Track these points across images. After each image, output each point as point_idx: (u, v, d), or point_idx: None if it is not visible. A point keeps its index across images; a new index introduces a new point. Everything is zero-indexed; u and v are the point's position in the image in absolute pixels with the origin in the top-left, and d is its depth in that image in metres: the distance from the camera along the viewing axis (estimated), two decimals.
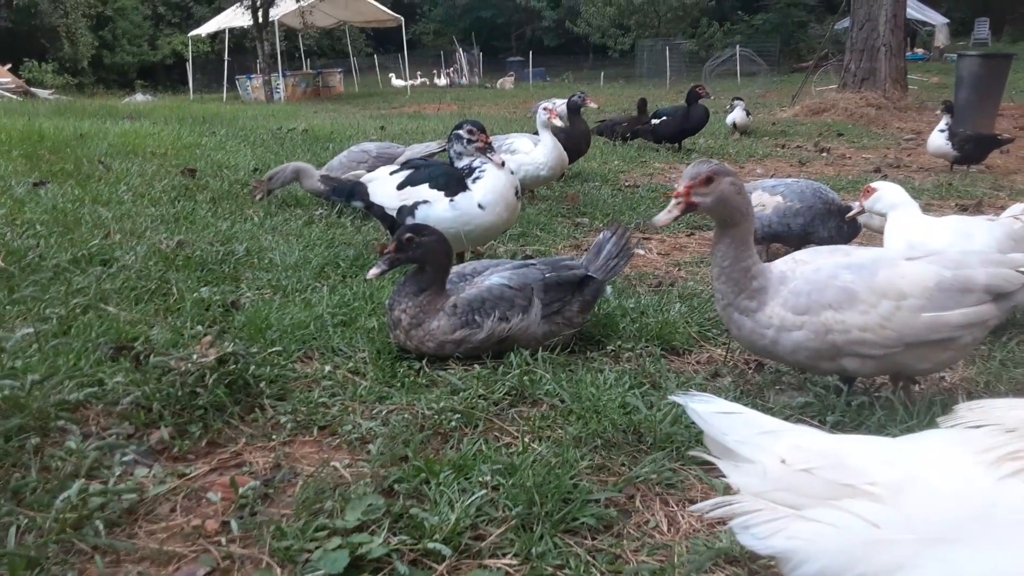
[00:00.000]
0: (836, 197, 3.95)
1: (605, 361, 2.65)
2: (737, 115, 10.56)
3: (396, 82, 31.16)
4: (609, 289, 3.27)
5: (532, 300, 2.57)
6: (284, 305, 2.94)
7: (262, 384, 2.22)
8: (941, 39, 34.52)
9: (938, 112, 7.42)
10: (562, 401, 2.27)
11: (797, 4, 33.89)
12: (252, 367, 2.23)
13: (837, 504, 1.18)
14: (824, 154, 8.80)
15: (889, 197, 3.20)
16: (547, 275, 2.63)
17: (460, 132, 3.34)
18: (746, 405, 2.29)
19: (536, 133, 5.50)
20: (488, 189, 3.23)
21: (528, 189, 5.61)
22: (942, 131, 7.20)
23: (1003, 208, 5.55)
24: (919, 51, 33.84)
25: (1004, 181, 6.82)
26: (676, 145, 8.87)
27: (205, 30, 30.71)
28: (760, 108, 15.24)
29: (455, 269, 2.69)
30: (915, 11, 35.11)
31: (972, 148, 7.21)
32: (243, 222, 4.34)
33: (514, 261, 2.75)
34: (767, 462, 1.26)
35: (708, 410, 1.34)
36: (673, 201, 2.21)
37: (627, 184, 6.61)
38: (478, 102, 21.37)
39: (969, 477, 1.15)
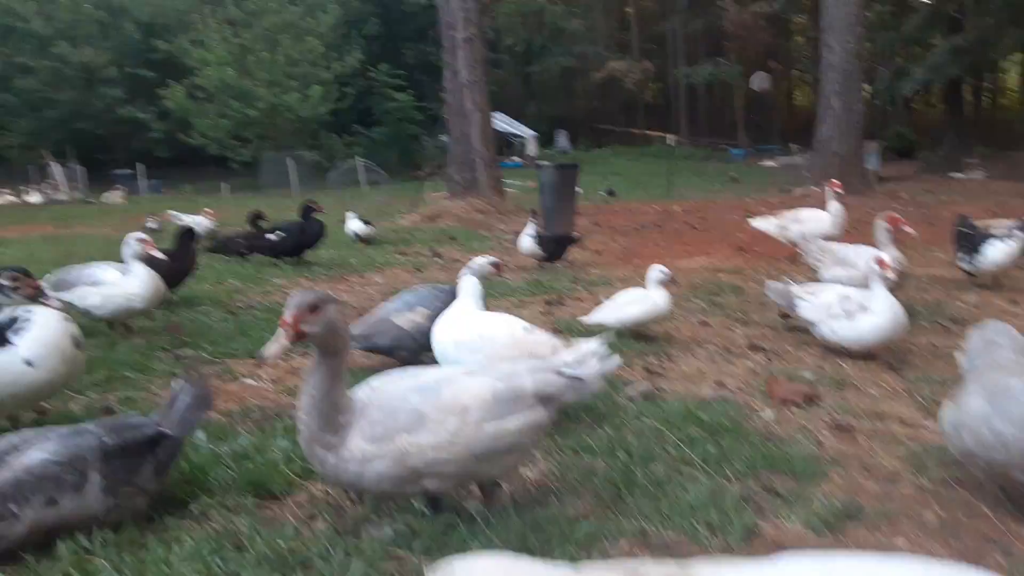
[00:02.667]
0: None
1: (187, 526, 2.36)
2: (355, 225, 10.90)
3: None
4: (201, 435, 2.99)
5: (87, 474, 2.21)
6: None
7: None
8: (532, 149, 40.20)
9: (528, 218, 8.46)
10: None
11: (409, 119, 36.84)
12: None
13: None
14: (438, 259, 9.44)
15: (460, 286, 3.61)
16: (106, 440, 2.29)
17: (0, 282, 2.84)
18: (342, 544, 2.22)
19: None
20: (37, 341, 2.77)
21: (120, 322, 5.04)
22: (530, 235, 8.22)
23: (578, 299, 6.45)
24: (516, 159, 38.97)
25: (581, 273, 7.95)
26: (296, 258, 8.80)
27: None
28: (384, 216, 16.01)
29: None
30: (508, 125, 40.57)
31: (554, 247, 8.33)
32: None
33: (64, 428, 2.35)
34: None
35: None
36: (281, 331, 2.12)
37: (240, 305, 6.31)
38: (81, 220, 19.10)
39: None
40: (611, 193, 20.34)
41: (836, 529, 2.40)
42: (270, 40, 35.03)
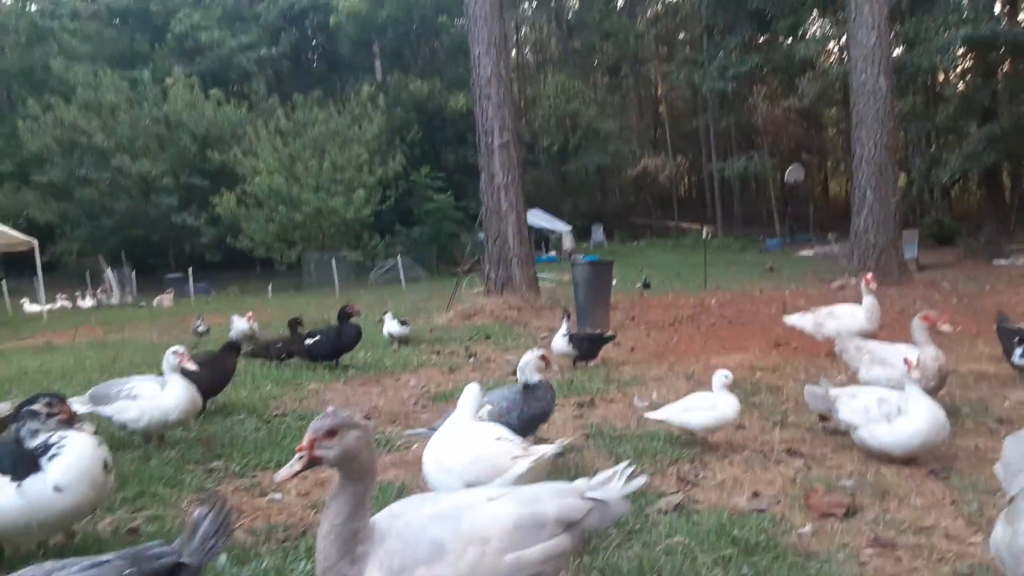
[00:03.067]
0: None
1: None
2: (391, 326, 11.04)
3: (30, 307, 27.65)
4: (223, 559, 2.98)
5: None
6: None
7: None
8: (568, 243, 40.74)
9: (561, 318, 8.49)
10: None
11: (448, 218, 37.83)
12: None
13: None
14: (472, 359, 9.47)
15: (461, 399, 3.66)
16: (126, 573, 2.29)
17: (35, 408, 2.93)
18: None
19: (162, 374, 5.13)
20: (68, 467, 2.83)
21: (156, 434, 5.13)
22: (564, 335, 8.22)
23: (611, 400, 6.38)
24: (552, 253, 39.49)
25: (615, 373, 7.89)
26: (333, 362, 8.92)
27: None
28: (421, 313, 16.22)
29: None
30: (544, 222, 41.35)
31: (587, 346, 8.30)
32: None
33: (85, 560, 2.36)
34: None
35: None
36: (296, 455, 2.13)
37: (275, 413, 6.38)
38: (129, 323, 19.72)
39: None
40: (646, 286, 20.37)
41: None
42: (317, 148, 36.70)
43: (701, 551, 3.07)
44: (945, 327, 5.46)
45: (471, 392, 3.77)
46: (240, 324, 11.67)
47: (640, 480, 2.56)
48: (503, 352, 10.14)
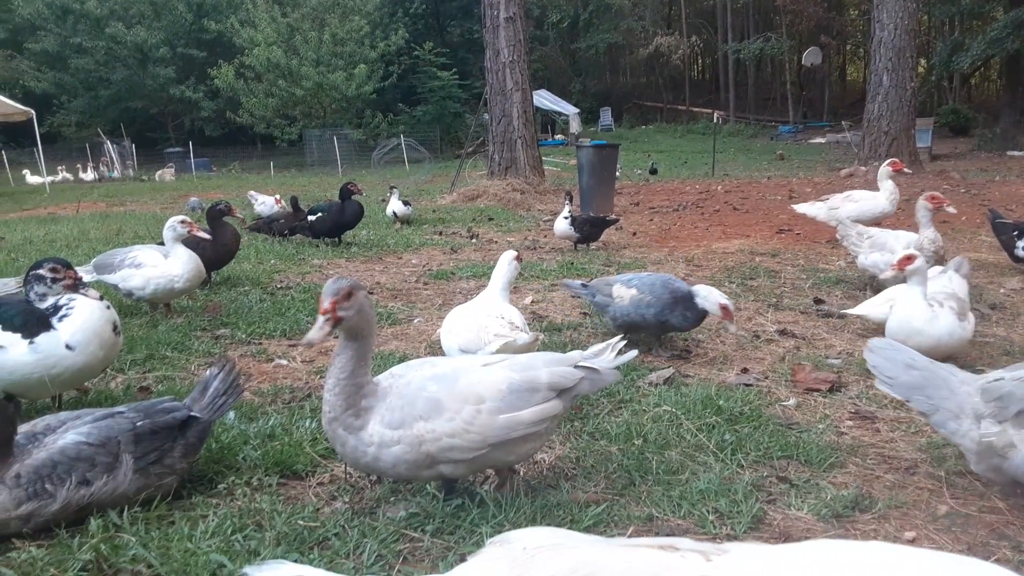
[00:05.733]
0: (683, 286, 4.31)
1: (213, 504, 2.48)
2: (395, 205, 11.02)
3: (31, 179, 27.58)
4: (232, 415, 3.12)
5: (119, 456, 2.33)
6: None
7: None
8: (575, 126, 39.92)
9: (563, 200, 8.45)
10: (149, 566, 2.07)
11: (452, 97, 36.88)
12: None
13: None
14: (474, 240, 9.52)
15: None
16: (138, 424, 2.42)
17: (41, 272, 2.98)
18: (358, 524, 2.32)
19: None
20: (79, 326, 2.92)
21: (162, 302, 5.24)
22: (565, 217, 8.20)
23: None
24: (560, 137, 38.75)
25: (615, 256, 7.95)
26: (336, 239, 8.97)
27: None
28: (424, 195, 16.15)
29: (24, 428, 2.35)
30: (551, 103, 40.35)
31: (590, 229, 8.30)
32: None
33: (99, 411, 2.48)
34: None
35: None
36: (322, 319, 2.21)
37: (279, 286, 6.48)
38: (132, 197, 19.69)
39: None
40: (653, 171, 20.14)
41: (845, 519, 2.41)
42: (317, 19, 35.35)
43: (687, 419, 3.20)
44: (950, 209, 5.47)
45: (504, 261, 3.86)
46: (265, 202, 11.42)
47: (631, 354, 2.65)
48: (505, 234, 10.17)
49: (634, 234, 9.70)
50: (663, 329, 4.39)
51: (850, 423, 3.33)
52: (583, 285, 4.82)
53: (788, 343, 4.68)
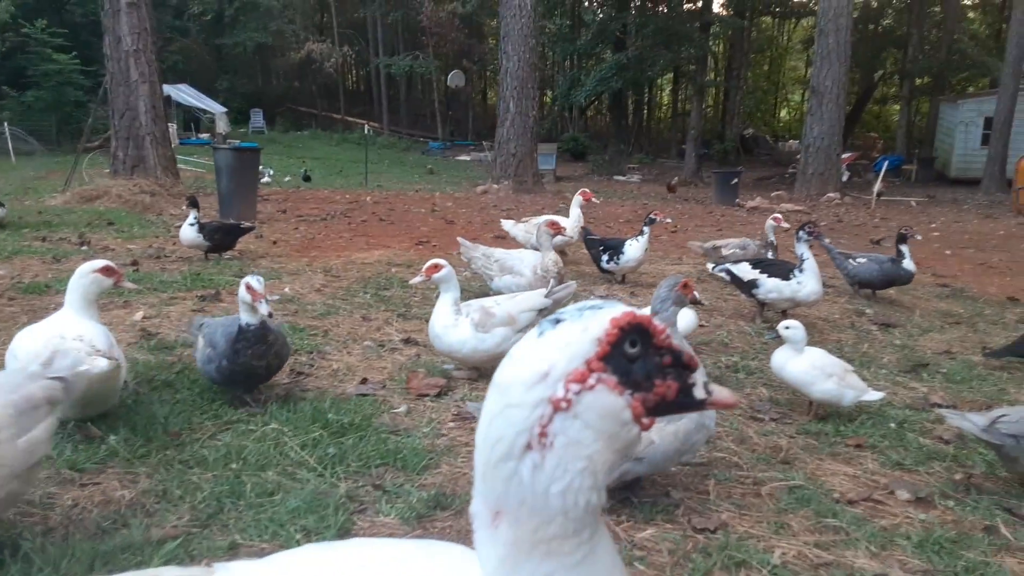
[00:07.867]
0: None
1: None
2: None
3: None
4: None
5: None
6: None
7: None
8: (222, 126, 37.51)
9: (183, 207, 7.79)
10: None
11: (72, 84, 32.26)
12: None
13: None
14: (85, 247, 8.38)
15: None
16: None
17: None
18: None
19: None
20: None
21: None
22: (192, 224, 7.59)
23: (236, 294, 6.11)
24: (205, 136, 36.10)
25: (249, 266, 7.59)
26: None
27: None
28: (30, 193, 13.88)
29: None
30: (194, 100, 37.55)
31: (221, 237, 7.81)
32: None
33: None
34: None
35: None
36: None
37: None
38: None
39: None
40: (307, 179, 19.81)
41: (426, 519, 2.55)
42: None
43: (292, 435, 3.14)
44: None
45: (77, 274, 3.37)
46: None
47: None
48: (126, 241, 9.13)
49: (275, 243, 9.39)
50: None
51: (452, 424, 3.56)
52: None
53: (411, 351, 4.87)
